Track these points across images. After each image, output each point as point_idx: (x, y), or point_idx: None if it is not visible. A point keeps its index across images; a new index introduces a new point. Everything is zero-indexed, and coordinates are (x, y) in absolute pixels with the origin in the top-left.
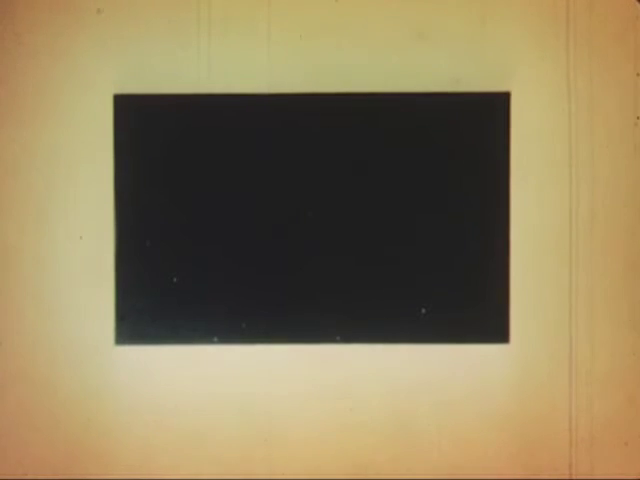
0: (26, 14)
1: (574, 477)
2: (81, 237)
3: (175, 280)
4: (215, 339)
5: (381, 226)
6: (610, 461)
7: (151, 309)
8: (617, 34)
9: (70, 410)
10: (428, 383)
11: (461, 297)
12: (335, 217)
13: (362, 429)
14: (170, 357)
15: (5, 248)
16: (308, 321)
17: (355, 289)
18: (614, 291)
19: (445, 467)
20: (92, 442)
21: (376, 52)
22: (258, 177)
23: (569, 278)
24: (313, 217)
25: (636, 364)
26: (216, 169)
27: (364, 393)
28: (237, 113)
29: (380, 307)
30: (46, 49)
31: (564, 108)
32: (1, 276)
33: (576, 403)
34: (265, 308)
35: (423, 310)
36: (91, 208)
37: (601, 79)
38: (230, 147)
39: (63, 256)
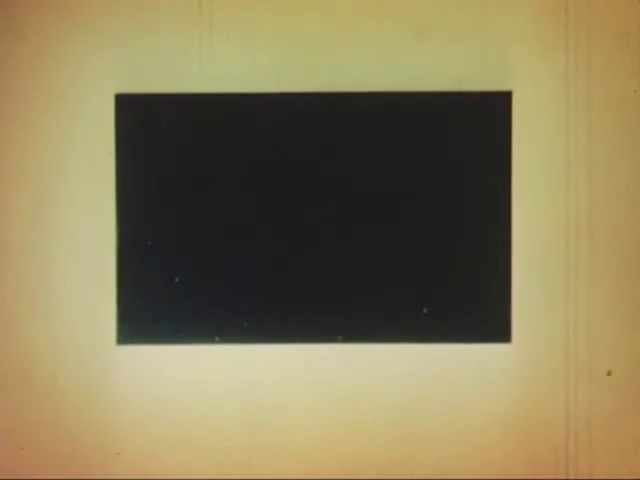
0: (27, 13)
1: (574, 477)
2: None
3: (177, 280)
4: (217, 339)
5: (382, 225)
6: (610, 461)
7: (153, 309)
8: (617, 34)
9: (71, 410)
10: (430, 382)
11: (463, 296)
12: (336, 216)
13: (364, 429)
14: (172, 357)
15: (6, 247)
16: (310, 321)
17: (356, 289)
18: (614, 291)
19: (446, 467)
20: (93, 442)
21: (377, 51)
22: (259, 176)
23: (570, 278)
24: (314, 216)
25: (636, 364)
26: (218, 168)
27: (366, 393)
28: (239, 112)
29: (382, 307)
30: (47, 49)
31: (565, 107)
32: (2, 275)
33: (576, 403)
34: (266, 308)
35: (425, 310)
36: (93, 207)
37: (601, 79)
38: (232, 146)
39: (64, 256)
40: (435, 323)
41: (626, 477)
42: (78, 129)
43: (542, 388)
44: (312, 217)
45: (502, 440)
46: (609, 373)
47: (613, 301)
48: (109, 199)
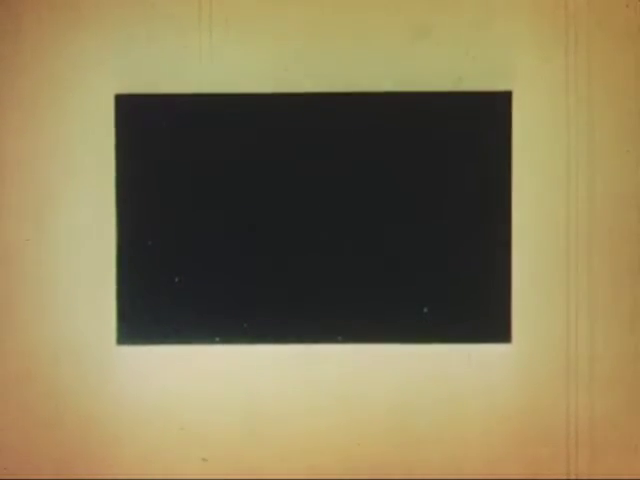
0: (28, 13)
1: (573, 477)
2: (80, 236)
3: (177, 280)
4: (217, 339)
5: (382, 225)
6: (610, 461)
7: (153, 309)
8: (617, 34)
9: (71, 410)
10: (430, 383)
11: (463, 297)
12: (336, 216)
13: (364, 429)
14: (172, 357)
15: (6, 248)
16: (309, 321)
17: (357, 288)
18: (614, 291)
19: (446, 467)
20: (93, 442)
21: (377, 51)
22: (260, 177)
23: (570, 277)
24: (314, 216)
25: (636, 364)
26: (218, 169)
27: (366, 393)
28: (239, 113)
29: (382, 307)
30: (47, 49)
31: (565, 107)
32: (2, 275)
33: (576, 403)
34: (267, 308)
35: (425, 310)
36: (93, 208)
37: (601, 78)
38: (232, 147)
39: (64, 256)
40: (435, 323)
41: (626, 477)
42: (78, 130)
43: (542, 388)
44: (312, 217)
45: (502, 440)
46: None
47: (613, 301)
48: (109, 199)
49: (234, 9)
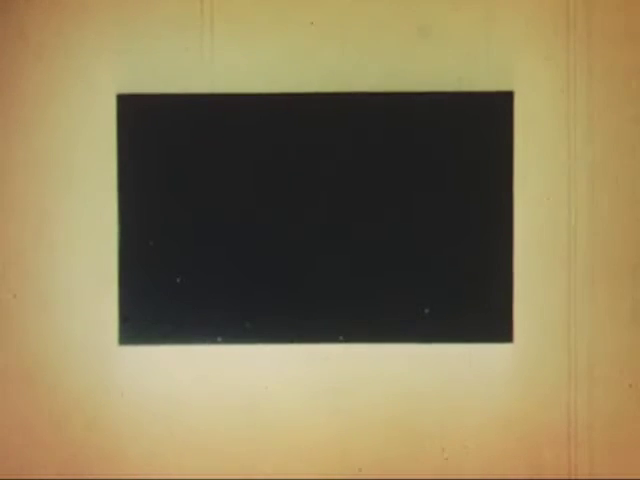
0: (30, 14)
1: (574, 477)
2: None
3: (178, 280)
4: (219, 339)
5: (384, 226)
6: (610, 461)
7: (154, 309)
8: (618, 34)
9: (74, 410)
10: (431, 383)
11: (465, 297)
12: (338, 217)
13: (365, 429)
14: (174, 357)
15: (9, 248)
16: (311, 321)
17: (358, 289)
18: (615, 290)
19: (447, 467)
20: (96, 442)
21: (379, 51)
22: (261, 177)
23: (571, 278)
24: (315, 216)
25: (636, 363)
26: (219, 169)
27: (367, 393)
28: (240, 113)
29: (383, 307)
30: (50, 49)
31: (566, 107)
32: (4, 276)
33: (577, 403)
34: (268, 308)
35: (426, 310)
36: (94, 208)
37: (601, 78)
38: (233, 147)
39: (66, 256)
40: (437, 323)
41: (626, 477)
42: (80, 129)
43: (544, 388)
44: (313, 217)
45: (503, 440)
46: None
47: (614, 301)
48: (111, 199)
49: (235, 10)
